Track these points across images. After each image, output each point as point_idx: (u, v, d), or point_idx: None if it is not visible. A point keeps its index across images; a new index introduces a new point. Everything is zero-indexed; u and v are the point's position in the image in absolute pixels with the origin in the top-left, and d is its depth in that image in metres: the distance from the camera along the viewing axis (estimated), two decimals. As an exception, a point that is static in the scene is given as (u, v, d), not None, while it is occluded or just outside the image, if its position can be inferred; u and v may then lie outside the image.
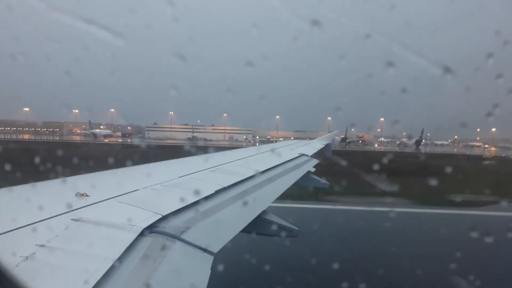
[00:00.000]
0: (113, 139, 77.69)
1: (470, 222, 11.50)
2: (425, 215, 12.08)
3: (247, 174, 3.49)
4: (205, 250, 1.70)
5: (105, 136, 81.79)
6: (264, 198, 3.04)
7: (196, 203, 2.28)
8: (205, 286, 1.42)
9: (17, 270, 1.15)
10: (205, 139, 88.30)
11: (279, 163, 4.79)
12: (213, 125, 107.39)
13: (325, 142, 11.33)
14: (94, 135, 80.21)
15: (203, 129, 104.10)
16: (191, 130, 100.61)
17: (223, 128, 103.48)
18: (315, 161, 6.49)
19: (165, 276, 1.38)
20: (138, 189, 2.33)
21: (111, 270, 1.26)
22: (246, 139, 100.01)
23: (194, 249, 1.68)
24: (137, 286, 1.27)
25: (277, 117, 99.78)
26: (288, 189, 3.79)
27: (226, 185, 2.88)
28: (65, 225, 1.55)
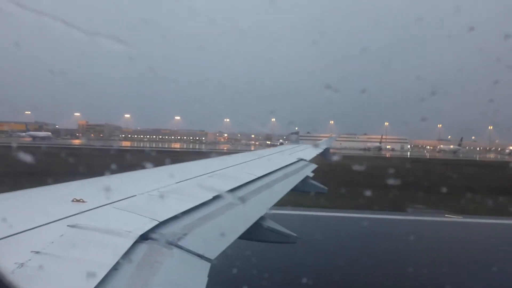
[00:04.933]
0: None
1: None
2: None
3: (245, 180, 3.49)
4: (202, 257, 1.68)
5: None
6: (262, 204, 3.02)
7: (193, 209, 2.27)
8: None
9: (12, 277, 1.14)
10: (381, 149, 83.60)
11: (278, 168, 4.79)
12: (365, 134, 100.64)
13: (324, 146, 11.36)
14: (282, 144, 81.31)
15: (355, 138, 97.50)
16: (344, 139, 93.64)
17: (377, 137, 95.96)
18: (314, 166, 6.50)
19: (162, 283, 1.37)
20: (135, 195, 2.31)
21: (107, 277, 1.24)
22: (402, 148, 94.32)
23: (191, 256, 1.67)
24: None
25: (439, 125, 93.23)
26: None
27: (223, 190, 2.87)
28: (60, 231, 1.53)
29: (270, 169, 4.52)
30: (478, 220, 12.06)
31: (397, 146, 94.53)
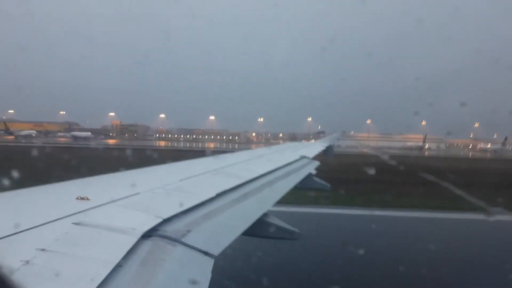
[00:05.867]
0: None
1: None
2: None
3: (247, 177, 3.49)
4: (206, 253, 1.69)
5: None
6: (265, 201, 3.03)
7: (197, 206, 2.28)
8: None
9: (18, 274, 1.15)
10: (422, 148, 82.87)
11: (283, 165, 4.80)
12: (400, 134, 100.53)
13: (326, 144, 11.32)
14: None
15: (391, 138, 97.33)
16: (379, 138, 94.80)
17: (414, 136, 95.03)
18: (316, 163, 6.50)
19: (166, 280, 1.38)
20: (139, 193, 2.32)
21: (112, 274, 1.26)
22: (438, 147, 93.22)
23: (195, 252, 1.68)
24: None
25: (476, 124, 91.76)
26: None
27: (226, 188, 2.88)
28: (65, 229, 1.55)
29: (273, 167, 4.52)
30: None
31: (433, 146, 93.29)
